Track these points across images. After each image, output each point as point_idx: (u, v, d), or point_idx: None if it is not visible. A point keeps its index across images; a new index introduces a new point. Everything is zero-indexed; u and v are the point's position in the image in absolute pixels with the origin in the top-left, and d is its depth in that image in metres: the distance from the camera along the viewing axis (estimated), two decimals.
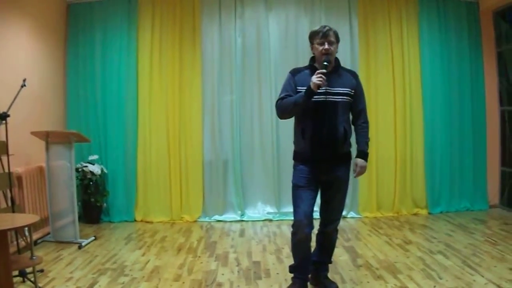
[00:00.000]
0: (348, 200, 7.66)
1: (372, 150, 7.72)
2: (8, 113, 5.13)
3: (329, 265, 4.63)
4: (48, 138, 6.41)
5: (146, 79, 7.80)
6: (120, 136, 7.79)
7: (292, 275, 4.46)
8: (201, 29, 7.87)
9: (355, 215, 7.85)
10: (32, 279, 4.57)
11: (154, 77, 7.82)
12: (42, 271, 5.05)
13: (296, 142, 4.35)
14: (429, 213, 7.82)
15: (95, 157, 7.56)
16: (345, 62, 7.77)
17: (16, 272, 4.50)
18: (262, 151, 7.87)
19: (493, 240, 6.09)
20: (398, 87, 7.85)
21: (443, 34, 7.95)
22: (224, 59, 7.91)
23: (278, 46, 7.90)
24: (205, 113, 7.90)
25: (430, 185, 7.90)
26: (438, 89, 7.89)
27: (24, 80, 5.52)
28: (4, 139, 5.14)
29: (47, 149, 6.44)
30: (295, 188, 4.27)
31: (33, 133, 6.25)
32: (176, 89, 7.78)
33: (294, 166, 4.35)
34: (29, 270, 4.64)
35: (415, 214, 7.82)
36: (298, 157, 4.32)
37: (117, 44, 7.81)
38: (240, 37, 7.92)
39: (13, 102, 5.27)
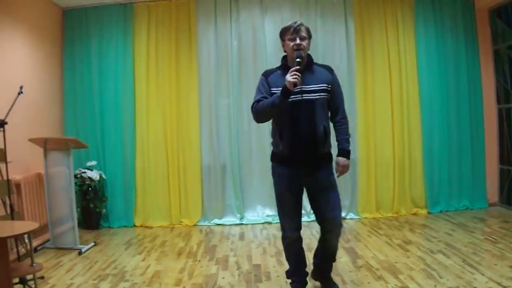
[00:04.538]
0: (347, 201, 7.73)
1: (370, 151, 7.79)
2: (6, 120, 5.13)
3: (336, 275, 4.48)
4: (46, 145, 6.40)
5: (143, 84, 7.81)
6: (118, 141, 7.79)
7: (290, 280, 4.44)
8: (197, 33, 7.87)
9: (354, 216, 7.84)
10: (33, 286, 4.57)
11: (150, 82, 7.82)
12: (42, 278, 5.05)
13: (274, 144, 4.20)
14: (429, 213, 7.81)
15: (93, 163, 7.56)
16: (342, 64, 7.84)
17: (16, 280, 4.48)
18: (260, 154, 7.85)
19: (493, 238, 6.09)
20: (395, 87, 7.84)
21: (439, 33, 7.94)
22: (221, 63, 7.92)
23: (274, 48, 7.87)
24: (202, 117, 7.90)
25: (429, 184, 7.89)
26: (435, 88, 7.88)
27: (21, 87, 5.52)
28: (2, 146, 5.14)
29: (45, 156, 6.43)
30: (278, 194, 4.19)
31: (31, 140, 6.25)
32: (173, 94, 7.77)
33: (273, 170, 4.25)
34: (29, 277, 4.63)
35: (414, 214, 7.81)
36: (276, 158, 4.22)
37: (114, 50, 7.82)
38: (236, 40, 7.91)
39: (10, 109, 5.27)
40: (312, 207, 4.24)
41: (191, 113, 7.81)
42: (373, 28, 7.90)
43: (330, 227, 4.11)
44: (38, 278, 4.88)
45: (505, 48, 7.81)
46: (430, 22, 7.95)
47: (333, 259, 4.39)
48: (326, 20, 7.84)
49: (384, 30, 7.90)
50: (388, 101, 7.85)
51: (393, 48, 7.87)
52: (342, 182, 7.52)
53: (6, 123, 5.13)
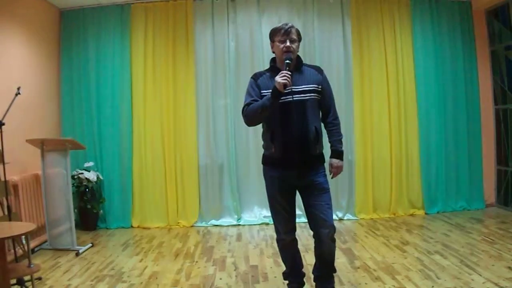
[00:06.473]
0: (344, 202, 7.74)
1: (367, 151, 7.79)
2: (3, 121, 5.13)
3: (334, 275, 4.28)
4: (44, 145, 6.40)
5: (140, 85, 7.80)
6: (115, 142, 7.78)
7: (286, 281, 4.42)
8: (194, 34, 7.86)
9: (351, 217, 7.84)
10: (30, 287, 4.56)
11: (148, 83, 7.82)
12: (40, 279, 5.05)
13: (265, 147, 4.15)
14: (426, 214, 7.82)
15: (90, 164, 7.55)
16: (339, 64, 7.84)
17: (14, 281, 4.47)
18: (257, 154, 7.80)
19: (490, 239, 6.10)
20: (392, 88, 7.84)
21: (436, 34, 7.96)
22: (218, 64, 7.91)
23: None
24: (199, 117, 7.90)
25: (426, 185, 7.89)
26: (432, 89, 7.90)
27: (19, 88, 5.51)
28: None
29: (42, 156, 6.43)
30: (270, 197, 4.18)
31: (28, 141, 6.24)
32: (170, 94, 7.78)
33: (264, 173, 4.19)
34: (27, 278, 4.62)
35: (411, 215, 7.81)
36: (268, 161, 4.15)
37: (111, 50, 7.82)
38: (233, 41, 7.92)
39: (7, 110, 5.26)
40: (305, 209, 4.14)
41: (188, 113, 7.80)
42: (370, 28, 7.90)
43: (323, 227, 3.98)
44: (36, 279, 4.86)
45: (502, 48, 7.83)
46: (427, 23, 7.96)
47: (331, 266, 4.21)
48: (323, 20, 7.84)
49: (381, 31, 7.90)
50: (385, 102, 7.86)
51: (390, 48, 7.88)
52: (339, 183, 7.56)
53: (3, 124, 5.12)
